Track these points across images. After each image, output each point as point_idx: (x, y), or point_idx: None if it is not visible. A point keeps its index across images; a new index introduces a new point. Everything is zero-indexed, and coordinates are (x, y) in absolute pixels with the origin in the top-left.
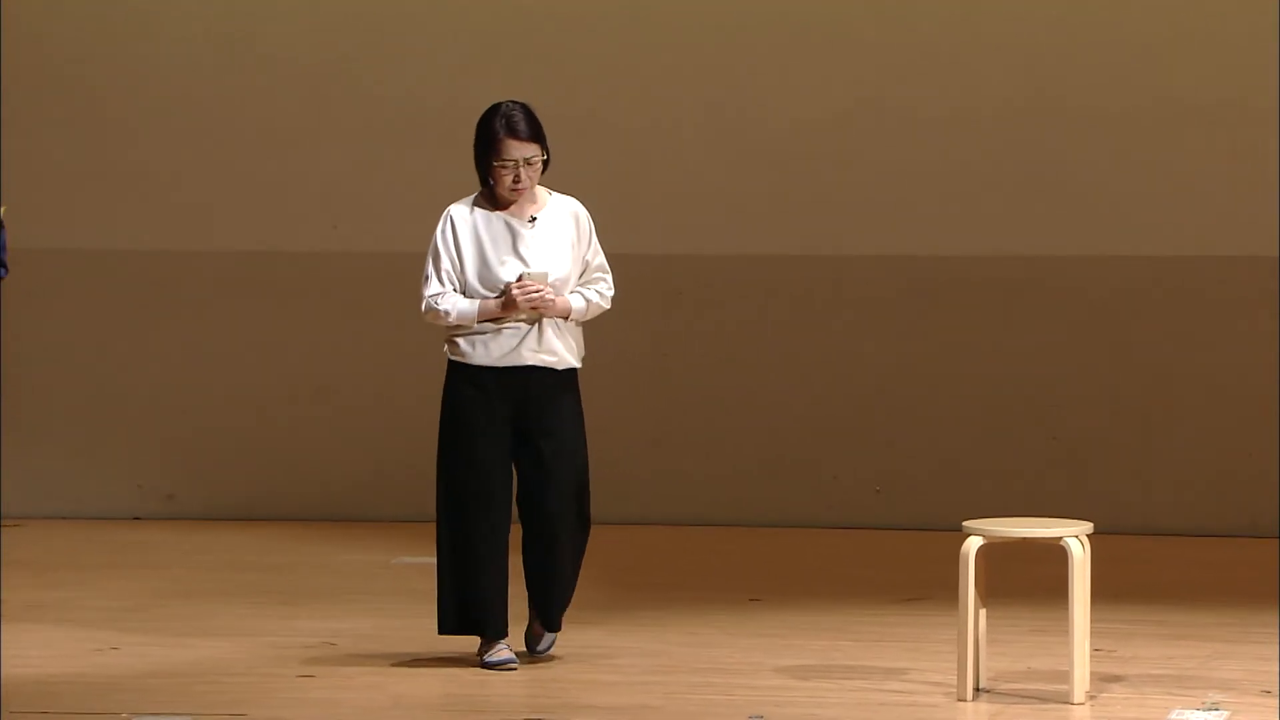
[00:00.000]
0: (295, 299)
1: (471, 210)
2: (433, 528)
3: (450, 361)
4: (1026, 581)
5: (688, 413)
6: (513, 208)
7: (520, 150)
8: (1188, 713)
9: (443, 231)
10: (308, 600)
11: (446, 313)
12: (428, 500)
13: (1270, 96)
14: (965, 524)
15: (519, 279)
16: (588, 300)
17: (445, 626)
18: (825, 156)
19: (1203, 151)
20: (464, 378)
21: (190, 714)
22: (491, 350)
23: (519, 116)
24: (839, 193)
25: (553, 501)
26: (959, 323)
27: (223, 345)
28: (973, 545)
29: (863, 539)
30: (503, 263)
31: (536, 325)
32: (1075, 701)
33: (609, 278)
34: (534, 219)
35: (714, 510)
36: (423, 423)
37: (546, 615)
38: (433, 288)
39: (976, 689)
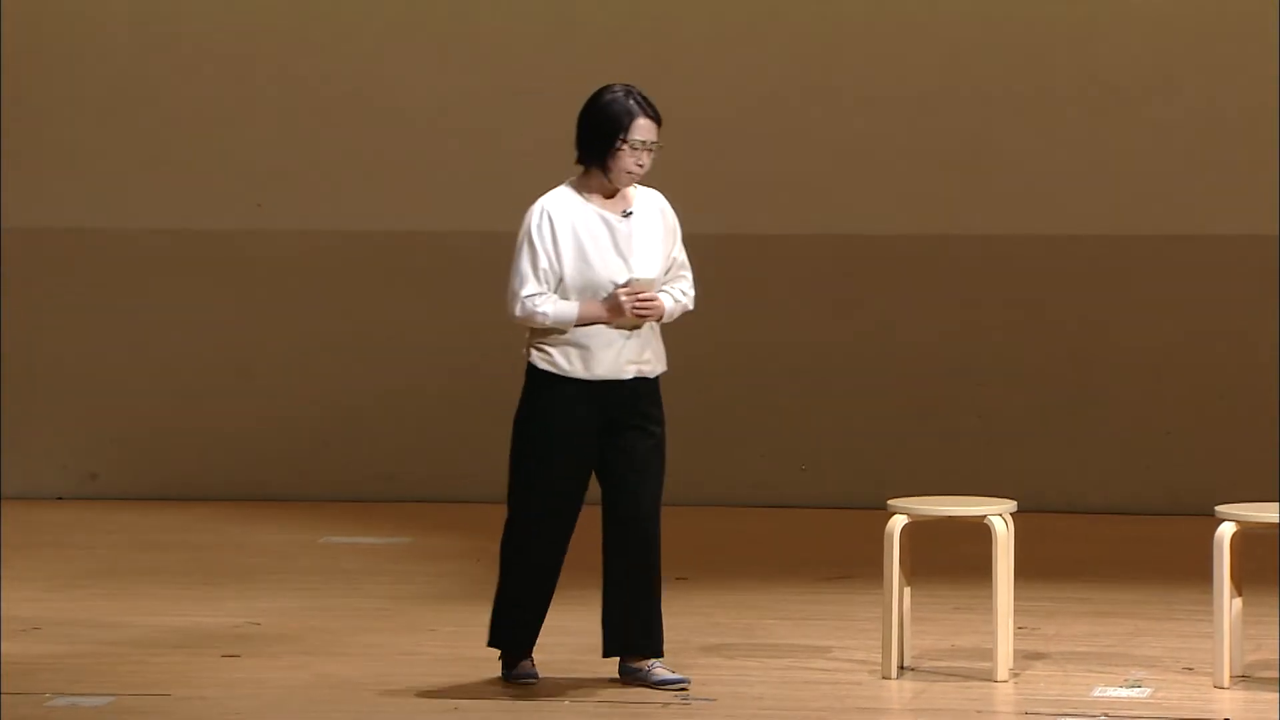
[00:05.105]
0: (219, 277)
1: (567, 204)
2: (362, 507)
3: (535, 369)
4: (951, 559)
5: None
6: (607, 201)
7: (651, 133)
8: (1110, 690)
9: (538, 226)
10: (232, 580)
11: (545, 314)
12: (353, 479)
13: (1186, 79)
14: (890, 502)
15: (626, 284)
16: (675, 300)
17: (499, 640)
18: (752, 137)
19: (1124, 132)
20: (554, 389)
21: (114, 694)
22: (592, 366)
23: (648, 100)
24: (763, 173)
25: (647, 499)
26: (885, 301)
27: (146, 324)
28: (897, 524)
29: (788, 517)
30: (604, 262)
31: (635, 335)
32: (999, 679)
33: (690, 275)
34: (629, 213)
35: None
36: (347, 401)
37: (653, 637)
38: (530, 287)
39: (901, 667)
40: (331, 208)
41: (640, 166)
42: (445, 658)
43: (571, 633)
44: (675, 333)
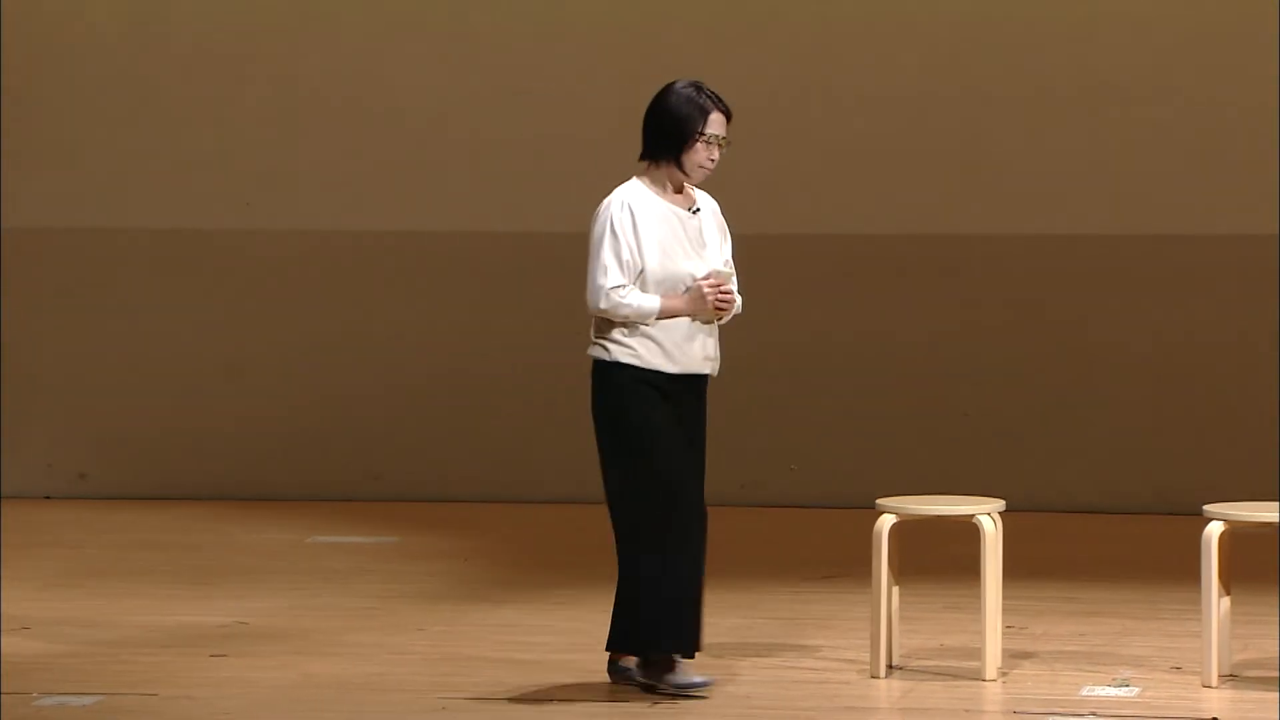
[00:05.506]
0: (207, 276)
1: (643, 198)
2: (350, 507)
3: (617, 364)
4: (939, 559)
5: None
6: (676, 197)
7: (723, 127)
8: (1098, 689)
9: (620, 219)
10: (221, 579)
11: (630, 306)
12: (341, 479)
13: (1185, 79)
14: (879, 502)
15: (707, 276)
16: None
17: (647, 640)
18: (748, 137)
19: (1121, 132)
20: (641, 382)
21: (102, 693)
22: (675, 357)
23: (718, 95)
24: (757, 172)
25: (702, 504)
26: (873, 301)
27: (134, 324)
28: (886, 523)
29: (777, 517)
30: (685, 255)
31: (709, 330)
32: (987, 678)
33: (736, 280)
34: (696, 209)
35: None
36: (335, 400)
37: (696, 635)
38: (614, 278)
39: (889, 666)
40: (320, 208)
41: (712, 161)
42: (433, 657)
43: (558, 632)
44: None
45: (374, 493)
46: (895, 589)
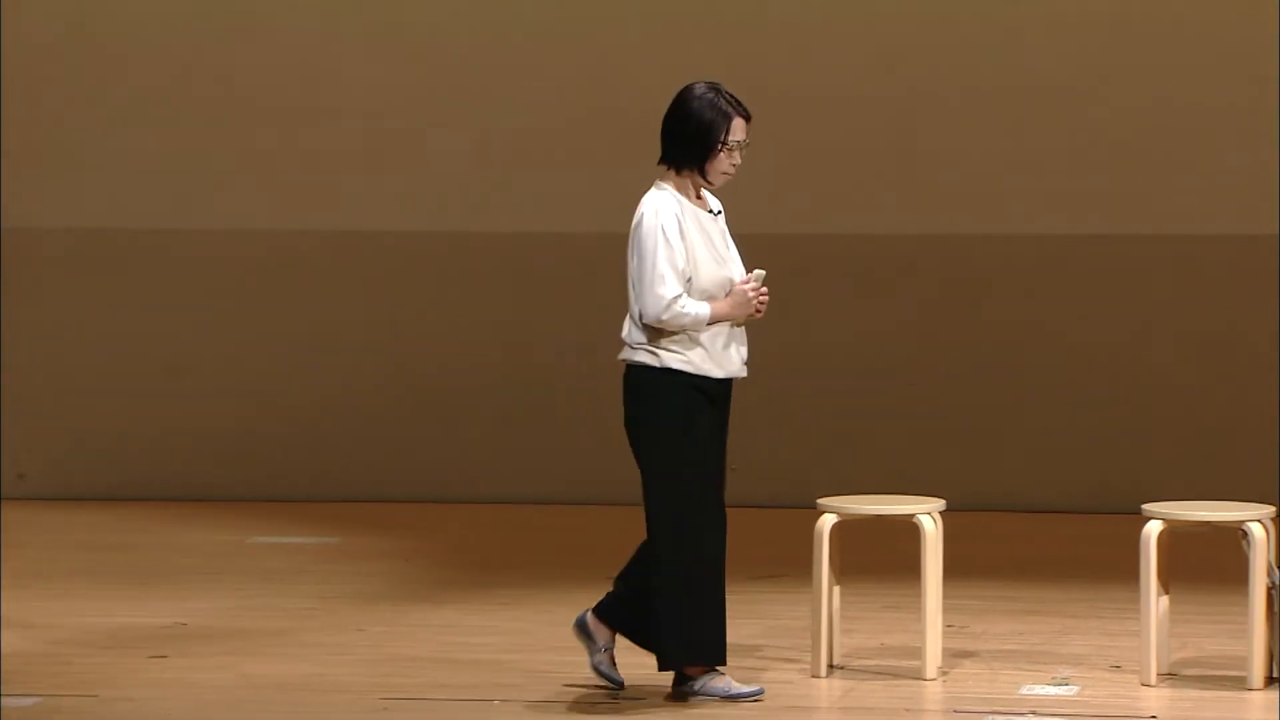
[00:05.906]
0: (145, 276)
1: (680, 205)
2: (290, 507)
3: (668, 370)
4: (880, 558)
5: (541, 390)
6: (699, 200)
7: (744, 132)
8: (1038, 688)
9: (670, 227)
10: (161, 580)
11: (689, 316)
12: (281, 479)
13: (1105, 80)
14: (820, 501)
15: (747, 280)
16: None
17: (685, 657)
18: None
19: (1048, 132)
20: (694, 388)
21: (41, 695)
22: (721, 362)
23: (736, 98)
24: None
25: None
26: (814, 301)
27: (73, 323)
28: (827, 522)
29: None
30: (720, 260)
31: (740, 335)
32: (927, 678)
33: None
34: (717, 213)
35: (571, 488)
36: (275, 401)
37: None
38: (672, 288)
39: (830, 666)
40: (264, 207)
41: (735, 166)
42: (373, 658)
43: (500, 632)
44: (606, 332)
45: (315, 493)
46: (836, 588)
